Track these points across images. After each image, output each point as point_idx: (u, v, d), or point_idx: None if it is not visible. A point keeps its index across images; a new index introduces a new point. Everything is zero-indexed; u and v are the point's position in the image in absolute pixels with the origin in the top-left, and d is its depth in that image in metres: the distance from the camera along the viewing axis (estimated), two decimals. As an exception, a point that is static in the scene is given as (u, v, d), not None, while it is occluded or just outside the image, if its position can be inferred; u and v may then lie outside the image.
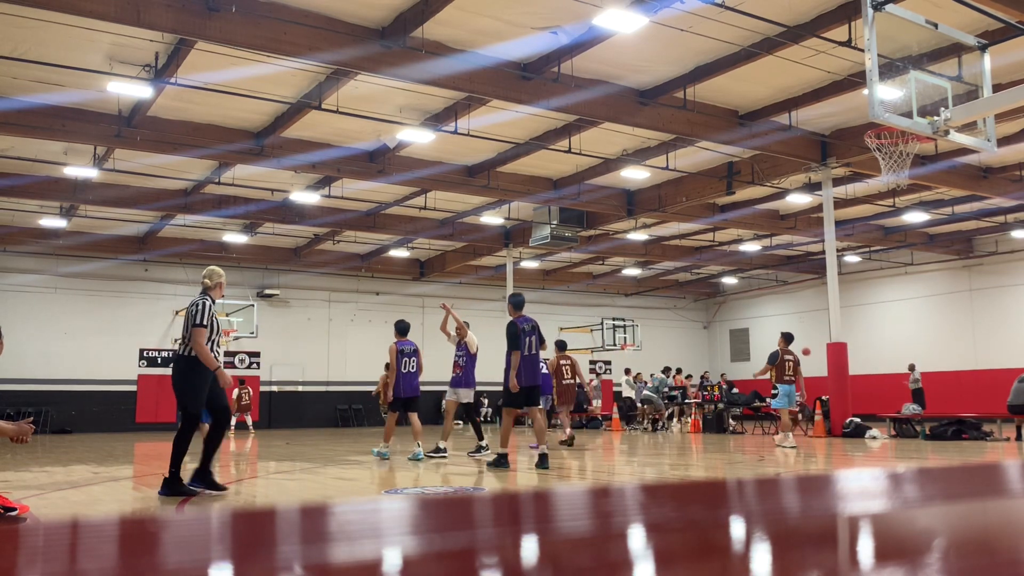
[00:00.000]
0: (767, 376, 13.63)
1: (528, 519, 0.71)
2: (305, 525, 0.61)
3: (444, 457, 11.02)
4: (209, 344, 6.83)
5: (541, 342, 9.41)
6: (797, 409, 14.08)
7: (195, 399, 6.80)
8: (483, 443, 11.28)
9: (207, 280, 7.18)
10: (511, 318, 9.44)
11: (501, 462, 9.30)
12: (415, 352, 10.93)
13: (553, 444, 12.80)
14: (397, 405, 11.06)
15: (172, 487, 6.78)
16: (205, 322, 6.83)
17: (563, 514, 0.70)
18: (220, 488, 7.02)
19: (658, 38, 12.09)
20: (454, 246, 25.96)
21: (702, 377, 26.46)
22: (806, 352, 14.65)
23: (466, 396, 11.26)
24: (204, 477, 6.90)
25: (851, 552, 0.72)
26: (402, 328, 11.06)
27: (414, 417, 10.89)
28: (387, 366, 11.73)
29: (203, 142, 15.32)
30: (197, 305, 6.90)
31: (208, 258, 25.28)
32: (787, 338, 13.57)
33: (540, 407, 9.67)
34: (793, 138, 15.64)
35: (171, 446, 6.79)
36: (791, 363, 13.42)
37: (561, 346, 15.33)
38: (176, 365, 6.94)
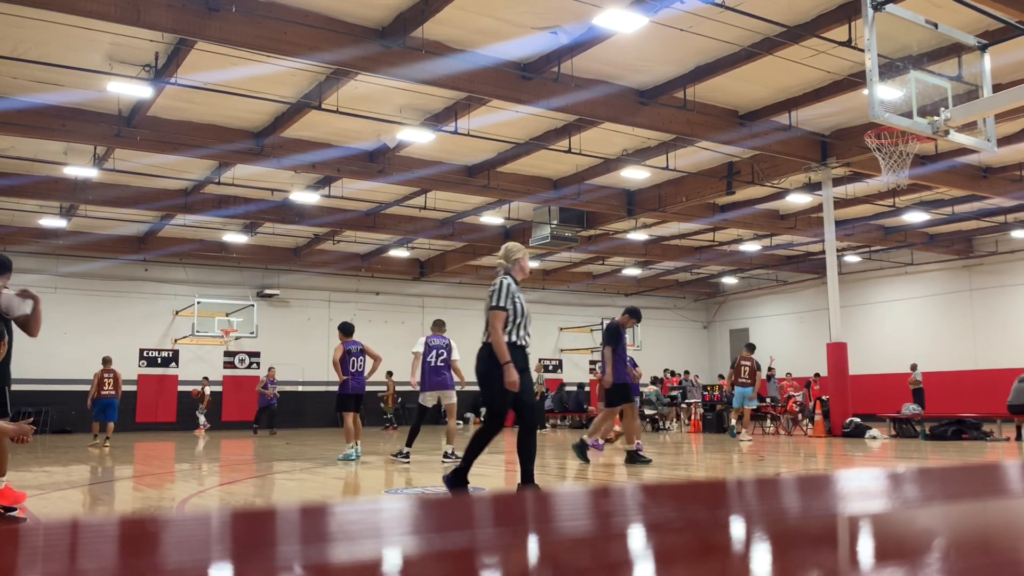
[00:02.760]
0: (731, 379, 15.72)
1: (528, 519, 0.71)
2: (305, 525, 0.61)
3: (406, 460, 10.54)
4: (514, 330, 5.95)
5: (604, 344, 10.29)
6: (752, 408, 15.73)
7: (502, 393, 5.80)
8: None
9: (506, 258, 6.25)
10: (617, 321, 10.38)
11: (637, 458, 9.69)
12: (362, 352, 11.00)
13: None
14: (349, 404, 10.94)
15: (457, 480, 6.08)
16: (503, 303, 5.90)
17: (563, 514, 0.70)
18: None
19: (658, 38, 12.09)
20: (454, 246, 25.95)
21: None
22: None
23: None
24: (461, 478, 6.04)
25: (851, 552, 0.72)
26: (347, 329, 11.18)
27: (356, 417, 11.00)
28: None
29: (203, 142, 15.31)
30: (496, 284, 6.02)
31: (208, 258, 25.29)
32: (750, 348, 15.83)
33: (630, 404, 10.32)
34: (793, 138, 15.64)
35: (470, 441, 6.01)
36: (747, 368, 15.24)
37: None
38: (479, 354, 5.96)
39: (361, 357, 10.99)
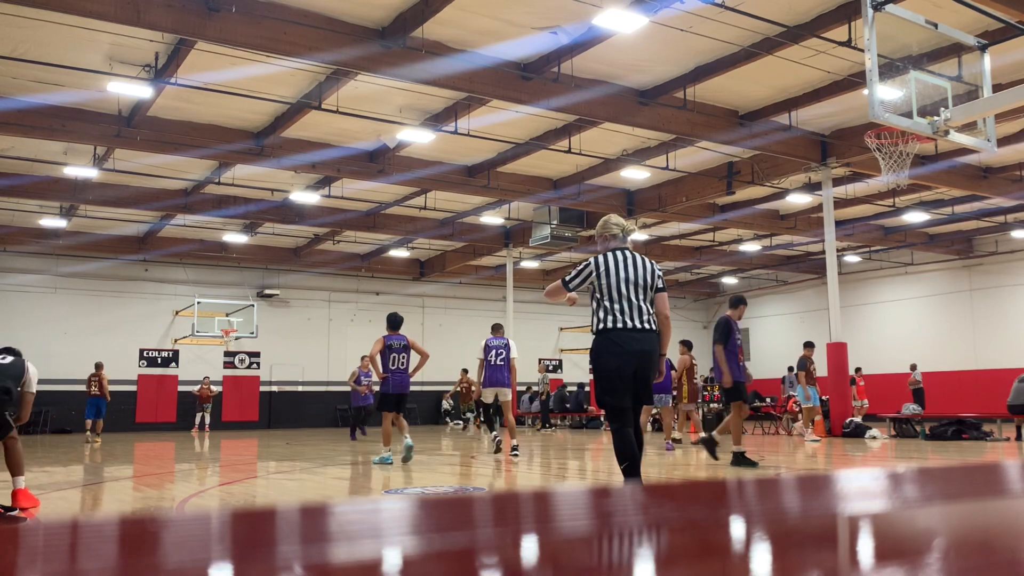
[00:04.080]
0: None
1: (528, 519, 0.71)
2: (305, 525, 0.61)
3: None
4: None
5: (714, 343, 9.87)
6: (809, 407, 15.23)
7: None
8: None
9: (627, 227, 5.38)
10: (727, 315, 9.97)
11: (743, 460, 9.28)
12: (406, 347, 10.34)
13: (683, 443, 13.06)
14: (388, 404, 10.32)
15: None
16: None
17: (563, 514, 0.70)
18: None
19: (658, 38, 12.09)
20: (454, 246, 25.96)
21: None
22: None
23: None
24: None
25: (851, 552, 0.72)
26: (392, 321, 10.54)
27: (400, 419, 10.33)
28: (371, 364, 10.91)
29: (203, 142, 15.32)
30: (658, 267, 5.35)
31: (208, 258, 25.30)
32: (808, 346, 15.46)
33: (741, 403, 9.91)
34: (793, 138, 15.64)
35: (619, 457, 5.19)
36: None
37: (688, 345, 14.75)
38: (656, 343, 5.18)
39: (405, 353, 10.32)
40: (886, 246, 25.18)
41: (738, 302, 10.07)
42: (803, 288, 31.09)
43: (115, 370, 24.68)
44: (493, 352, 10.94)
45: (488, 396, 11.07)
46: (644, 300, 5.14)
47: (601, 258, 5.21)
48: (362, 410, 18.32)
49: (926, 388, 22.69)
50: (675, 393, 14.28)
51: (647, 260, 5.25)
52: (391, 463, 10.05)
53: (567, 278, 5.30)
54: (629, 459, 5.09)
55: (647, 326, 5.13)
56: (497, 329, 11.36)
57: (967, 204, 20.90)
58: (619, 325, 5.09)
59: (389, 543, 0.61)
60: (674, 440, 13.33)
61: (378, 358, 10.15)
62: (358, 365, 18.74)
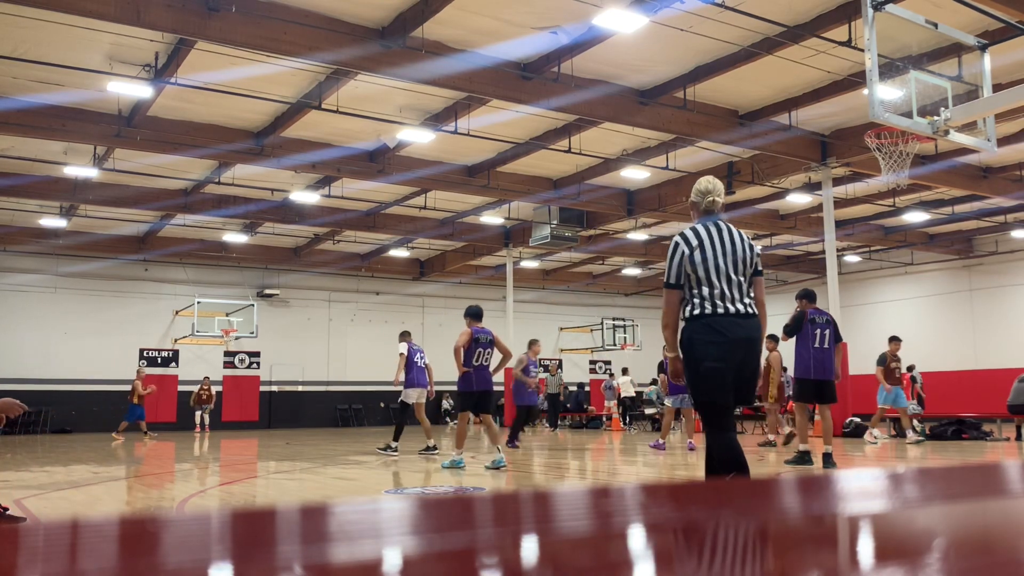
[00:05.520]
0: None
1: (528, 519, 0.71)
2: (305, 525, 0.61)
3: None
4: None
5: (837, 340, 9.58)
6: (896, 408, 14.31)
7: None
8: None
9: (715, 196, 4.71)
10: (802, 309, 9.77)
11: (804, 459, 9.37)
12: (491, 343, 9.36)
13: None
14: (469, 403, 9.40)
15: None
16: None
17: (563, 514, 0.70)
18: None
19: (658, 38, 12.09)
20: (454, 246, 25.96)
21: None
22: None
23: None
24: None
25: (851, 552, 0.72)
26: (476, 313, 9.47)
27: (488, 418, 9.49)
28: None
29: (203, 142, 15.32)
30: (756, 246, 4.66)
31: (208, 258, 25.29)
32: (893, 340, 14.69)
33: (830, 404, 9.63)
34: (793, 138, 15.64)
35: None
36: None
37: (776, 340, 14.14)
38: (760, 330, 4.44)
39: (490, 349, 9.36)
40: (886, 246, 25.18)
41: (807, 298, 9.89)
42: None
43: (116, 370, 24.71)
44: (418, 355, 12.00)
45: (413, 396, 11.95)
46: (744, 281, 4.39)
47: (691, 232, 4.48)
48: (530, 409, 15.00)
49: (926, 388, 22.63)
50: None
51: (744, 236, 4.55)
52: (463, 467, 9.40)
53: (668, 279, 4.43)
54: (738, 468, 4.35)
55: (750, 310, 4.37)
56: (409, 335, 12.34)
57: (967, 204, 20.89)
58: (720, 310, 4.29)
59: (389, 543, 0.61)
60: (768, 443, 13.17)
61: (462, 352, 9.19)
62: (525, 351, 14.46)
